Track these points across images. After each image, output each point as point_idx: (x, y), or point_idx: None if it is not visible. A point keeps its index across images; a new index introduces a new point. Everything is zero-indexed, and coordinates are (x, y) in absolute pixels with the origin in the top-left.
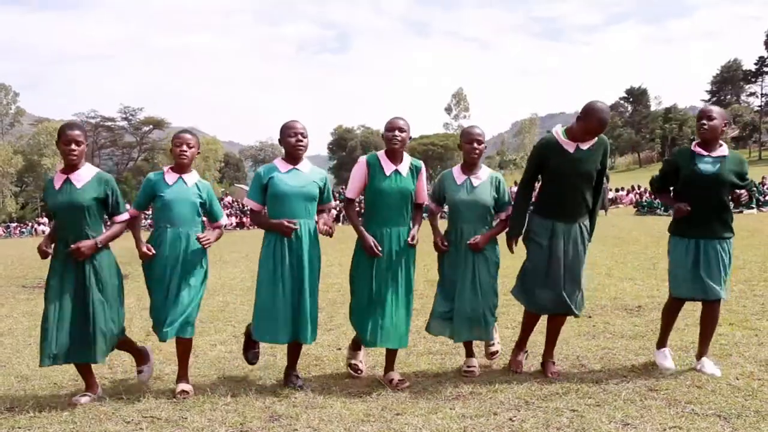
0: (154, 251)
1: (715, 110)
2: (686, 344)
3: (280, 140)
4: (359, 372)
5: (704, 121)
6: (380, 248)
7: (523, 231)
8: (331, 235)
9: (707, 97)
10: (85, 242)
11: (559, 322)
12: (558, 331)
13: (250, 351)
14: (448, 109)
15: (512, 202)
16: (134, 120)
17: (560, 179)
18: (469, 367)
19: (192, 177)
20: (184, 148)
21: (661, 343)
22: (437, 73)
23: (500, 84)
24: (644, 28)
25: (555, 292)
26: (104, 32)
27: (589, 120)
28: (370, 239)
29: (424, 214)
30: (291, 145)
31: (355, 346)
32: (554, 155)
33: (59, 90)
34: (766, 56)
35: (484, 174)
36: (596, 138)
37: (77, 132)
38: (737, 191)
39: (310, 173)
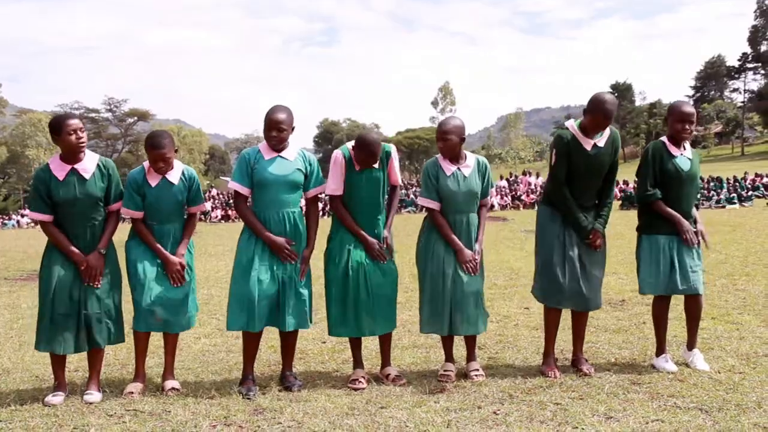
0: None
1: (694, 113)
2: (669, 338)
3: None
4: (360, 385)
5: (687, 125)
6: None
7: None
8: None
9: (691, 92)
10: (93, 259)
11: (583, 316)
12: (583, 326)
13: (244, 386)
14: (435, 103)
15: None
16: (118, 111)
17: (577, 175)
18: (445, 371)
19: (175, 173)
20: (161, 165)
21: (660, 350)
22: (424, 67)
23: (486, 78)
24: (630, 24)
25: (571, 286)
26: (88, 24)
27: (596, 114)
28: (372, 240)
29: (408, 207)
30: (266, 138)
31: (357, 364)
32: (575, 152)
33: (43, 82)
34: (749, 52)
35: (471, 161)
36: (608, 132)
37: (76, 120)
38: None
39: (294, 160)
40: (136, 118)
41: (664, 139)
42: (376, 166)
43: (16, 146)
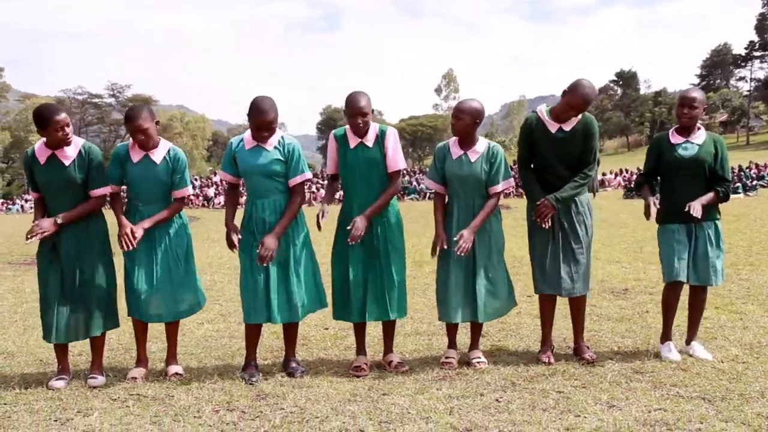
0: (137, 235)
1: (698, 98)
2: (673, 327)
3: (248, 115)
4: (363, 372)
5: (686, 110)
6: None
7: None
8: (263, 262)
9: (697, 81)
10: (46, 222)
11: (578, 303)
12: (580, 314)
13: (247, 371)
14: (438, 90)
15: (510, 177)
16: (122, 97)
17: (542, 159)
18: (447, 358)
19: (160, 152)
20: (140, 136)
21: (665, 336)
22: (427, 53)
23: (490, 65)
24: (635, 11)
25: (552, 271)
26: (90, 10)
27: (574, 95)
28: (322, 218)
29: (413, 195)
30: (253, 133)
31: (359, 350)
32: (538, 134)
33: (46, 67)
34: (756, 41)
35: (481, 147)
36: (580, 117)
37: (63, 115)
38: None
39: (272, 150)
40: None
41: (672, 128)
42: (369, 144)
43: (19, 131)
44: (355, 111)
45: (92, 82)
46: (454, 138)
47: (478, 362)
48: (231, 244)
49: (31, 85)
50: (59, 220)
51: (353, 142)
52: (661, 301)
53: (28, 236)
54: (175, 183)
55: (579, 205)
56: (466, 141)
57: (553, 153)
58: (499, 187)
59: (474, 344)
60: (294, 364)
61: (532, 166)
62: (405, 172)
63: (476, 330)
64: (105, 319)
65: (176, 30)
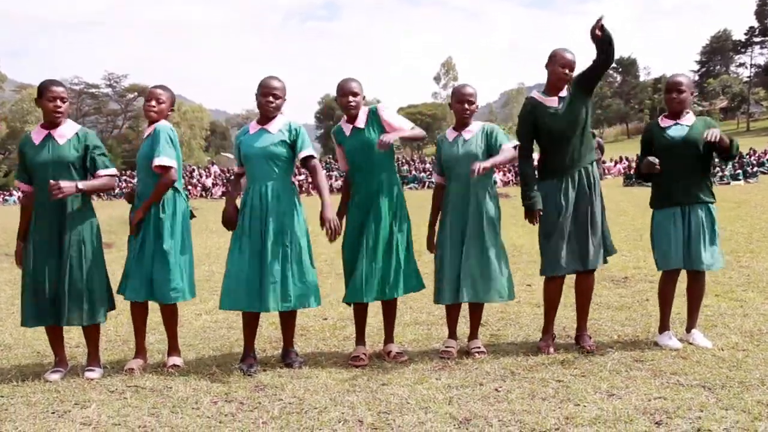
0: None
1: (684, 82)
2: (672, 315)
3: (256, 95)
4: (362, 362)
5: (674, 95)
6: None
7: (535, 200)
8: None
9: (696, 67)
10: (66, 182)
11: (585, 288)
12: (586, 300)
13: (245, 362)
14: (437, 79)
15: (514, 146)
16: (119, 87)
17: (552, 135)
18: (446, 347)
19: (151, 130)
20: (151, 102)
21: (663, 327)
22: (427, 43)
23: (488, 54)
24: None
25: (568, 246)
26: (87, 0)
27: (553, 64)
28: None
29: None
30: (260, 104)
31: (358, 340)
32: (541, 114)
33: (42, 57)
34: (756, 26)
35: (475, 127)
36: (569, 87)
37: (61, 88)
38: (712, 138)
39: (277, 133)
40: (136, 93)
41: (661, 116)
42: (361, 126)
43: (15, 122)
44: (345, 91)
45: (89, 72)
46: (450, 127)
47: (477, 352)
48: (231, 221)
49: (27, 75)
50: (81, 186)
51: (348, 130)
52: (658, 291)
53: (54, 193)
54: (154, 153)
55: (589, 175)
56: (465, 125)
57: (560, 125)
58: (509, 144)
59: (473, 334)
60: (293, 355)
61: (534, 162)
62: (404, 160)
63: (475, 319)
64: (91, 311)
65: (174, 20)
